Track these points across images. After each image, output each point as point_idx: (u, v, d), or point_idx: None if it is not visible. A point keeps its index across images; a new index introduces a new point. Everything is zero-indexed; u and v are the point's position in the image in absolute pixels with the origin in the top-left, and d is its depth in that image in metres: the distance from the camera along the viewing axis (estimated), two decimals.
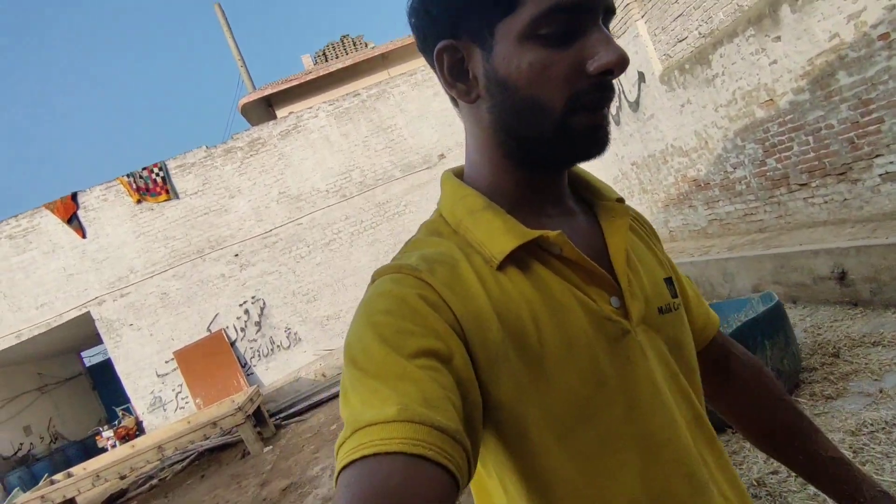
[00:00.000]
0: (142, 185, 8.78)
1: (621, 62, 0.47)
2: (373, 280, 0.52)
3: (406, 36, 13.43)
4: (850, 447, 1.92)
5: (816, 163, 4.62)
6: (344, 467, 0.38)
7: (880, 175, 4.08)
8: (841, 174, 4.42)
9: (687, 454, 0.52)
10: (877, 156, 4.05)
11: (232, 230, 9.07)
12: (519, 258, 0.51)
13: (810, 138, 4.57)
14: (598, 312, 0.52)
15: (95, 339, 10.27)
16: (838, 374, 2.56)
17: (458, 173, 0.60)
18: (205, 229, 8.98)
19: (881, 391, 2.30)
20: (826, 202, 4.67)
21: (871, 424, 1.97)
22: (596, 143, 0.51)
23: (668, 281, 0.60)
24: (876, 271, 2.83)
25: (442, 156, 9.77)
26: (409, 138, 9.75)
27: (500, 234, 0.51)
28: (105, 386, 13.54)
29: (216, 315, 8.88)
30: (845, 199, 4.46)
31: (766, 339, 2.41)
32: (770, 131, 4.99)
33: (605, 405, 0.50)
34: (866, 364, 2.54)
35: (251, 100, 12.93)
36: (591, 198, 0.61)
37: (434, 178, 9.63)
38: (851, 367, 2.57)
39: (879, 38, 3.68)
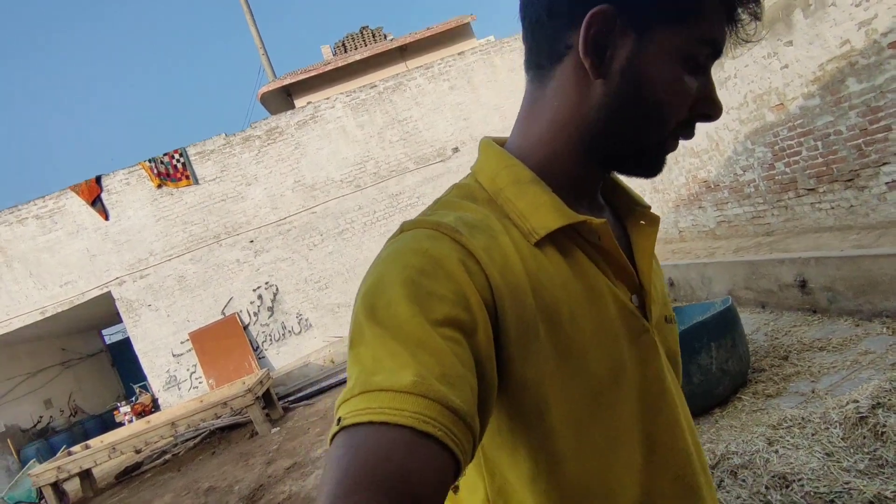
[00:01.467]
0: (163, 170, 9.04)
1: (720, 115, 0.52)
2: (401, 230, 0.48)
3: (425, 28, 13.47)
4: (768, 439, 2.12)
5: (824, 168, 4.61)
6: (346, 427, 0.36)
7: (887, 183, 4.07)
8: (848, 181, 4.42)
9: (688, 459, 0.53)
10: (884, 163, 4.04)
11: (248, 217, 9.29)
12: (558, 239, 0.50)
13: (819, 143, 4.57)
14: (626, 306, 0.52)
15: (116, 318, 10.62)
16: (782, 375, 2.73)
17: (500, 143, 0.57)
18: (222, 215, 9.21)
19: (813, 391, 2.49)
20: (833, 208, 4.67)
21: (790, 420, 2.17)
22: (662, 166, 0.54)
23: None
24: (832, 281, 2.97)
25: (456, 149, 9.85)
26: (423, 131, 9.84)
27: (546, 210, 0.50)
28: (124, 363, 14.00)
29: (230, 299, 9.13)
30: (852, 206, 4.46)
31: (711, 341, 2.58)
32: (780, 135, 4.98)
33: (620, 400, 0.50)
34: (808, 367, 2.72)
35: (271, 89, 13.12)
36: (621, 202, 0.62)
37: (448, 171, 9.72)
38: (795, 370, 2.75)
39: (889, 47, 3.67)
